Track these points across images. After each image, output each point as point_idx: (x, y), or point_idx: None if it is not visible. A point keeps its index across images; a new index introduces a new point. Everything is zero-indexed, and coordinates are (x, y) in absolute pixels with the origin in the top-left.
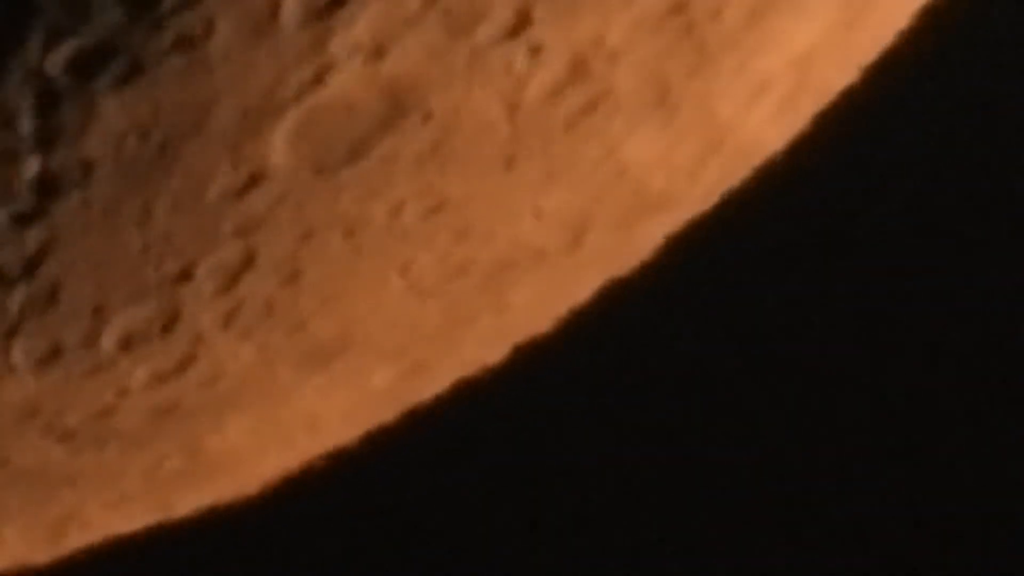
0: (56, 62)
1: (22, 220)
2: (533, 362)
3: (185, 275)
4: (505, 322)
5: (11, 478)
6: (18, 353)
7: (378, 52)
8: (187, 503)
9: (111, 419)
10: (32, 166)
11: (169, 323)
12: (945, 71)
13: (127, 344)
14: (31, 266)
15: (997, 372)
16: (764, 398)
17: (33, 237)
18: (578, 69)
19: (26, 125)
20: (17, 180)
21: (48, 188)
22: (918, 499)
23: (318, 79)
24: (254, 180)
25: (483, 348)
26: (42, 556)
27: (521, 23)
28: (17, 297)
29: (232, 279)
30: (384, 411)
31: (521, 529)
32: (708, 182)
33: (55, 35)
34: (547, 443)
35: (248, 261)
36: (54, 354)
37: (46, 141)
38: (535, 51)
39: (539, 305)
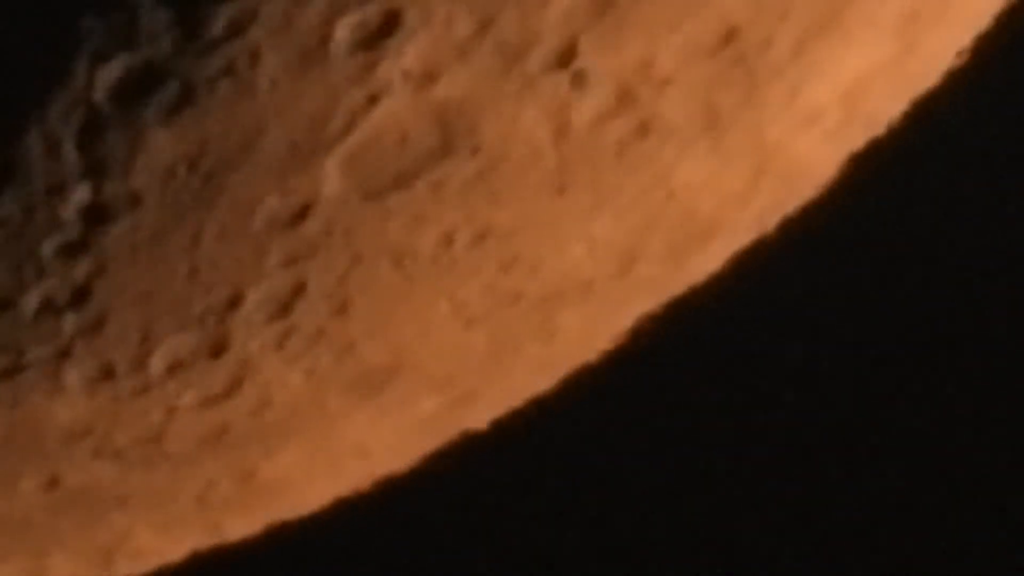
0: (103, 90)
1: (70, 249)
2: (581, 391)
3: (234, 303)
4: (553, 351)
5: (62, 500)
6: (69, 375)
7: (428, 79)
8: (238, 528)
9: (160, 441)
10: (80, 195)
11: (217, 349)
12: (999, 99)
13: (175, 368)
14: (81, 293)
15: None
16: (819, 425)
17: (82, 265)
18: (626, 96)
19: (72, 154)
20: (65, 210)
21: (96, 217)
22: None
23: (368, 106)
24: (304, 209)
25: (531, 377)
26: None
27: (569, 51)
28: (67, 322)
29: (282, 307)
30: (432, 439)
31: (568, 558)
32: (757, 208)
33: (101, 61)
34: (597, 472)
35: (298, 289)
36: (104, 376)
37: (94, 170)
38: (583, 78)
39: (587, 334)
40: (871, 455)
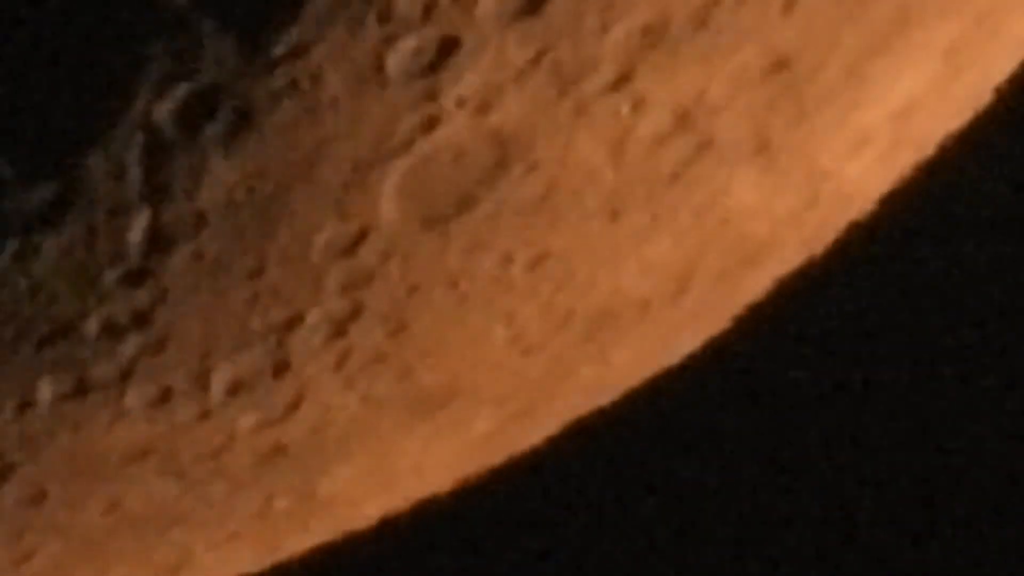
0: (165, 113)
1: (133, 273)
2: (635, 411)
3: (292, 325)
4: (607, 373)
5: (123, 519)
6: (130, 397)
7: (485, 104)
8: (295, 543)
9: (220, 460)
10: (143, 219)
11: (277, 371)
12: None
13: (235, 389)
14: (142, 316)
15: None
16: (865, 444)
17: (144, 288)
18: (681, 120)
19: (135, 178)
20: (128, 233)
21: (158, 241)
22: None
23: (426, 130)
24: (362, 233)
25: (585, 397)
26: None
27: (625, 76)
28: (129, 345)
29: (340, 330)
30: (485, 457)
31: (612, 565)
32: (808, 231)
33: (164, 84)
34: (647, 486)
35: (355, 312)
36: (164, 398)
37: (156, 194)
38: (639, 103)
39: (642, 357)
40: (927, 484)
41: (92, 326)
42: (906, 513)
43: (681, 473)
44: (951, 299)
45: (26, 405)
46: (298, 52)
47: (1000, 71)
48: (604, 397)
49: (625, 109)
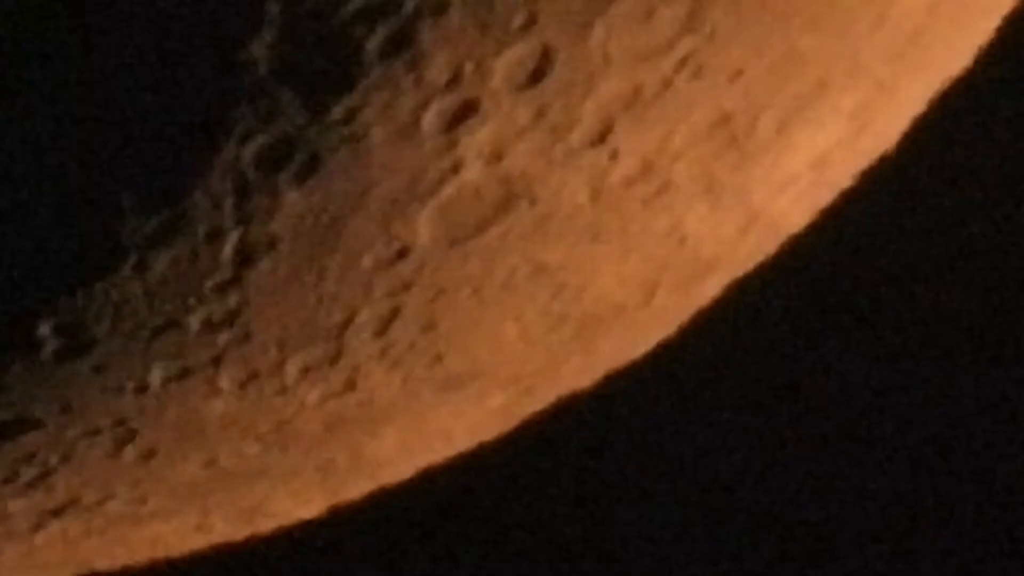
0: (250, 158)
1: (224, 282)
2: (613, 389)
3: (347, 323)
4: (592, 360)
5: (217, 473)
6: (223, 379)
7: (496, 153)
8: (350, 491)
9: (292, 427)
10: (233, 240)
11: (335, 358)
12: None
13: (304, 372)
14: (232, 314)
15: None
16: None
17: (233, 294)
18: (647, 166)
19: (227, 209)
20: (221, 251)
21: (244, 257)
22: None
23: (451, 173)
24: (402, 252)
25: (575, 379)
26: (241, 536)
27: (604, 133)
28: (222, 338)
29: (383, 327)
30: (499, 425)
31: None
32: (745, 253)
33: (249, 135)
34: (631, 454)
35: (396, 312)
36: (249, 379)
37: (243, 221)
38: (614, 153)
39: (618, 349)
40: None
41: (194, 323)
42: (829, 501)
43: (648, 442)
44: (861, 304)
45: (143, 386)
46: (352, 113)
47: (895, 128)
48: (588, 380)
49: (604, 158)
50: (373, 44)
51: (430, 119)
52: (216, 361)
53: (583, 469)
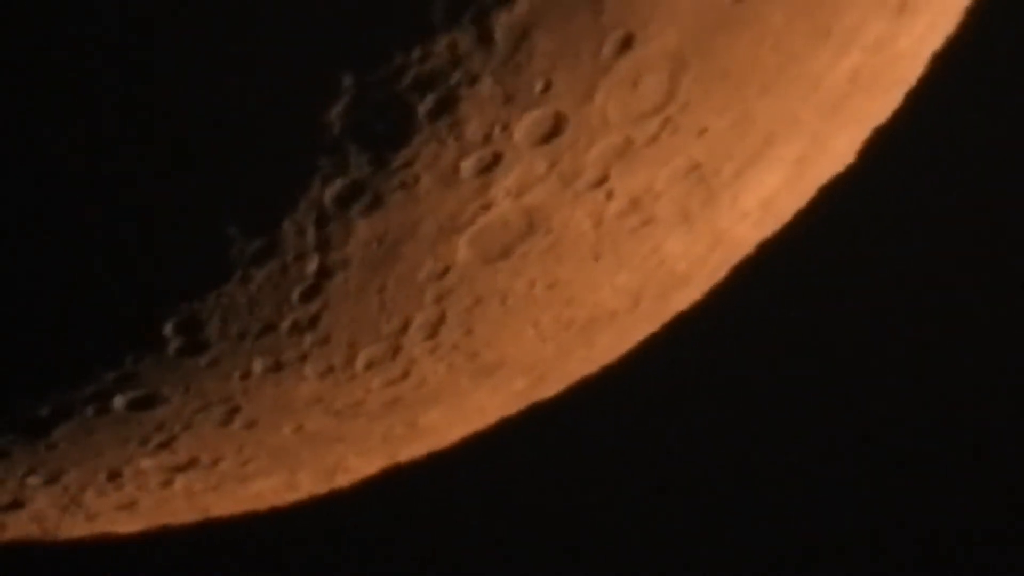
0: (329, 198)
1: (308, 293)
2: (607, 382)
3: (404, 326)
4: (593, 354)
5: (304, 438)
6: (307, 369)
7: (519, 193)
8: (407, 453)
9: (361, 405)
10: (315, 260)
11: (394, 353)
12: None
13: (370, 364)
14: (314, 319)
15: None
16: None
17: (315, 302)
18: (635, 203)
19: (311, 236)
20: (306, 268)
21: (323, 273)
22: None
23: (484, 209)
24: (446, 269)
25: (580, 368)
26: (322, 490)
27: (603, 178)
28: (307, 338)
29: (433, 329)
30: (520, 404)
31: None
32: (711, 268)
33: (328, 180)
34: (626, 439)
35: (442, 317)
36: (328, 370)
37: (322, 246)
38: (610, 193)
39: (613, 345)
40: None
41: (285, 326)
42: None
43: (638, 429)
44: (815, 311)
45: (246, 374)
46: (407, 163)
47: (827, 173)
48: (590, 369)
49: (602, 196)
50: (424, 109)
51: (468, 167)
52: (302, 357)
53: (580, 463)
